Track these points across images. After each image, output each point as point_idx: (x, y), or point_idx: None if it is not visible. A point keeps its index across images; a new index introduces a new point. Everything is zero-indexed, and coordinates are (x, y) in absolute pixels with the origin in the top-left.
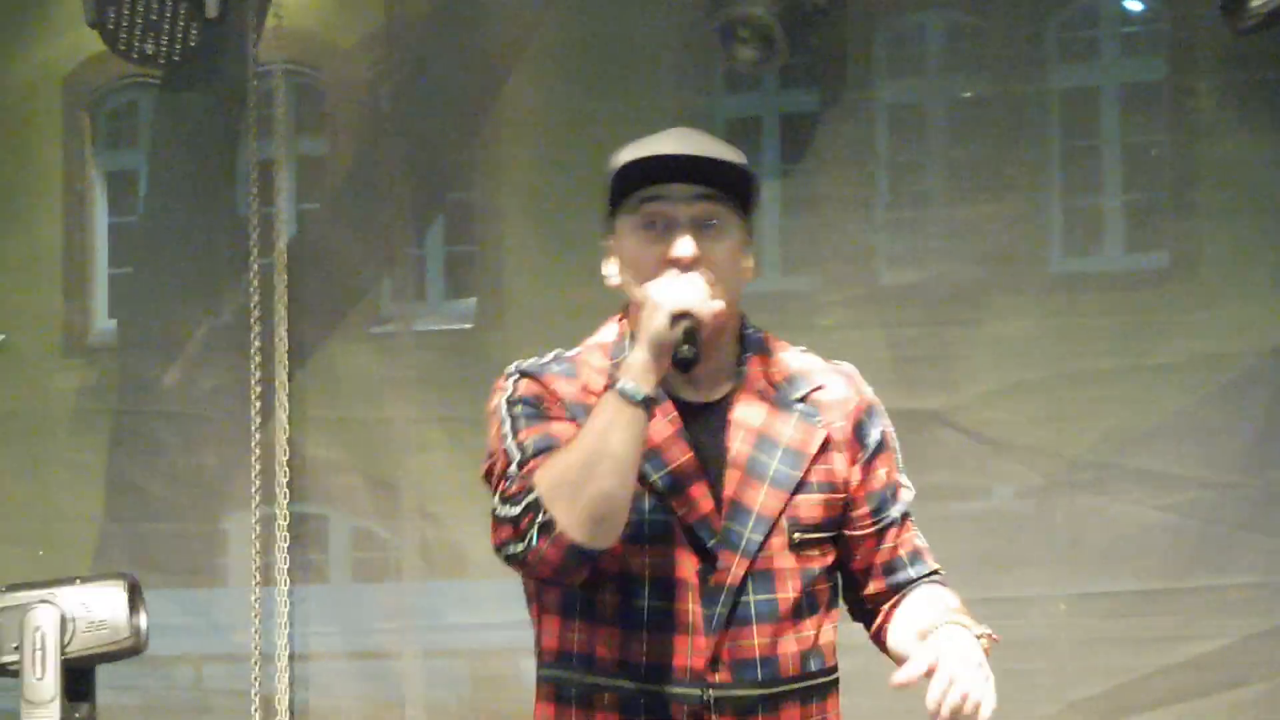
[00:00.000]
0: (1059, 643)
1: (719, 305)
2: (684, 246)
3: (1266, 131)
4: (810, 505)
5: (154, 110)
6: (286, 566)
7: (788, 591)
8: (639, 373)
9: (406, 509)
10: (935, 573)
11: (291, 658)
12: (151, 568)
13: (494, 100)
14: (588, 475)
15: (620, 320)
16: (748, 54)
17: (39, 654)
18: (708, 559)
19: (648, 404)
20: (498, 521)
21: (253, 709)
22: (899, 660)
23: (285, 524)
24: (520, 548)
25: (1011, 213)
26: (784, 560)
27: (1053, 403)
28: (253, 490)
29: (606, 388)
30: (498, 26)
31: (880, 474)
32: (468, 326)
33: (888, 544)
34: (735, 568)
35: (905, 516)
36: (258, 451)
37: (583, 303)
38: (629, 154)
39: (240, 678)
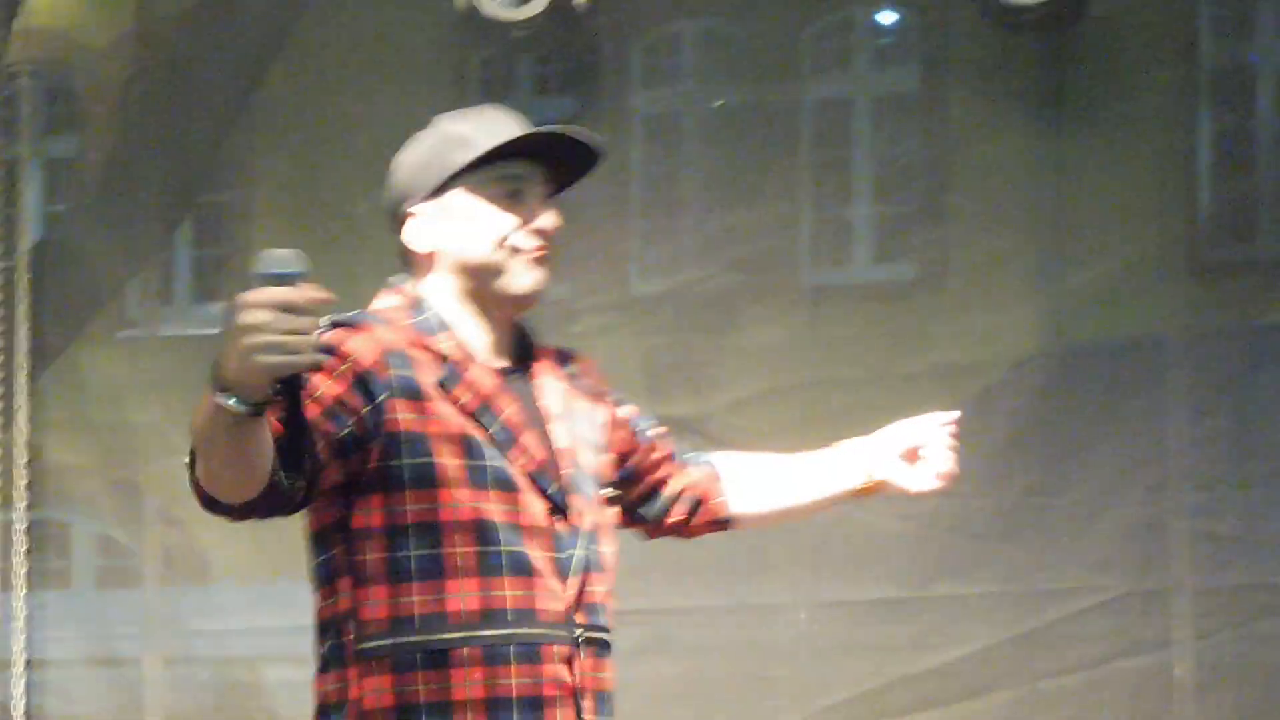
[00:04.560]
0: (802, 651)
1: None
2: (551, 218)
3: (1016, 139)
4: (606, 465)
5: None
6: (25, 571)
7: (613, 544)
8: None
9: (150, 515)
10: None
11: (29, 664)
12: None
13: (248, 101)
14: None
15: (398, 291)
16: None
17: None
18: (555, 505)
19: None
20: None
21: None
22: (758, 520)
23: (24, 529)
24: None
25: (763, 222)
26: (605, 515)
27: (801, 411)
28: None
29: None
30: (252, 28)
31: (626, 405)
32: (215, 331)
33: (653, 444)
34: (587, 513)
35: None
36: None
37: (335, 307)
38: (507, 129)
39: None
